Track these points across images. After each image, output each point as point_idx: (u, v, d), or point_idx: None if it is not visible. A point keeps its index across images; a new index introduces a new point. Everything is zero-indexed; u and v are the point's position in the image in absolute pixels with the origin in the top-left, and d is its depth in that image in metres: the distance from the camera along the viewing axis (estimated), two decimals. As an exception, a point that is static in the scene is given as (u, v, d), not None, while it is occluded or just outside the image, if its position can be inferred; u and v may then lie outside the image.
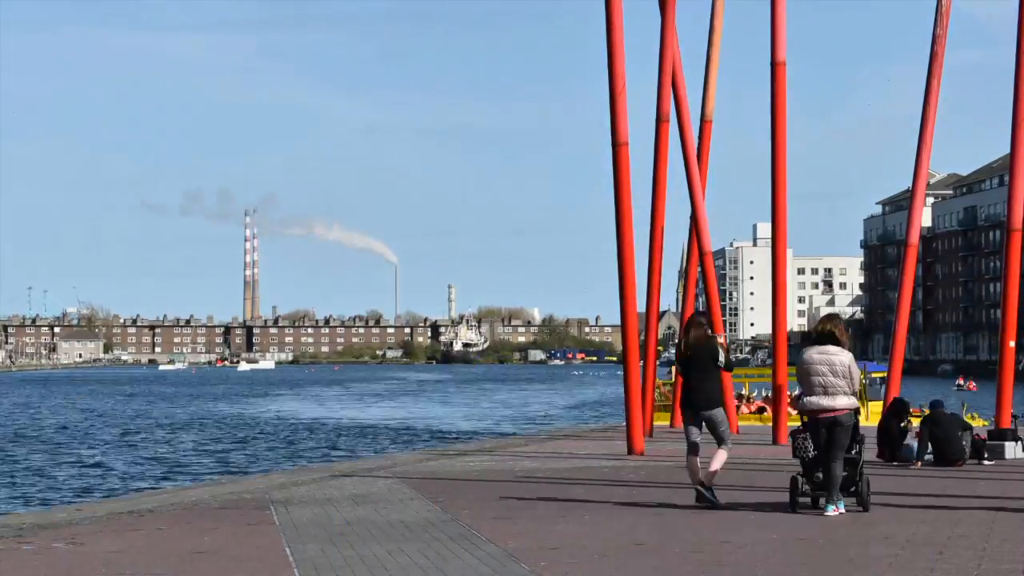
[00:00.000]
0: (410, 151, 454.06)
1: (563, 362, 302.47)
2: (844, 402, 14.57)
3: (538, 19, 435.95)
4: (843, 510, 14.60)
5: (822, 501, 14.76)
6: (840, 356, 14.57)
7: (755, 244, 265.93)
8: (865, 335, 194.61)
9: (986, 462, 22.50)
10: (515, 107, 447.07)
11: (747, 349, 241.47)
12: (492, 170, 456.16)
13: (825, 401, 14.60)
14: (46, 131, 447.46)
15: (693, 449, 15.93)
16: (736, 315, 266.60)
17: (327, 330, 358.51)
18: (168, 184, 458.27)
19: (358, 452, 44.37)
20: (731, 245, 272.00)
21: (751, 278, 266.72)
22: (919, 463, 21.97)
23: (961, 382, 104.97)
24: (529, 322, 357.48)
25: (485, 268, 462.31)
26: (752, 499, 17.00)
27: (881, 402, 29.66)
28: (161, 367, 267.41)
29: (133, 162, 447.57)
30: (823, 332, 14.76)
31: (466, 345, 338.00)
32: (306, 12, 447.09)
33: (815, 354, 14.65)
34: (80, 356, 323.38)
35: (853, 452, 14.74)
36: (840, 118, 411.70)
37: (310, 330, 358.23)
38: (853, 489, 14.87)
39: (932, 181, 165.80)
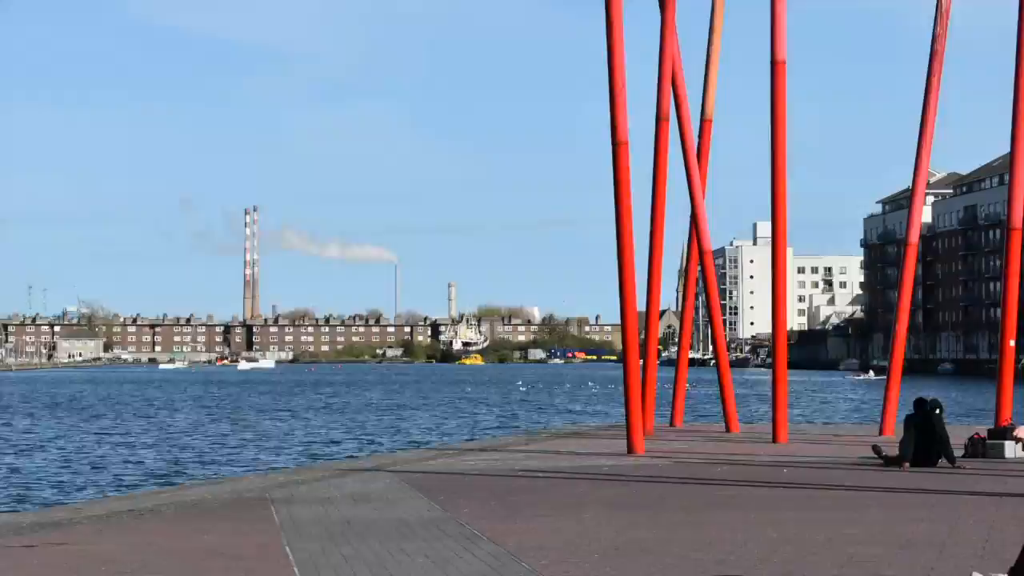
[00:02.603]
0: (410, 150, 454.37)
1: (563, 361, 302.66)
2: None
3: (539, 17, 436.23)
4: None
5: None
6: None
7: (755, 243, 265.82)
8: (865, 334, 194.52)
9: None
10: (515, 106, 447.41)
11: (747, 348, 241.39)
12: (493, 169, 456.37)
13: None
14: (45, 131, 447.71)
15: None
16: (736, 314, 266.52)
17: (327, 329, 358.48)
18: (167, 184, 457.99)
19: None
20: (731, 244, 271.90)
21: (751, 277, 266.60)
22: (907, 464, 21.54)
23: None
24: (529, 321, 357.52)
25: (485, 267, 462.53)
26: (752, 498, 17.01)
27: None
28: (161, 366, 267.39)
29: (133, 162, 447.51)
30: None
31: (466, 344, 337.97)
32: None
33: None
34: (80, 355, 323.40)
35: None
36: (840, 117, 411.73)
37: (310, 329, 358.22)
38: None
39: (932, 180, 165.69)
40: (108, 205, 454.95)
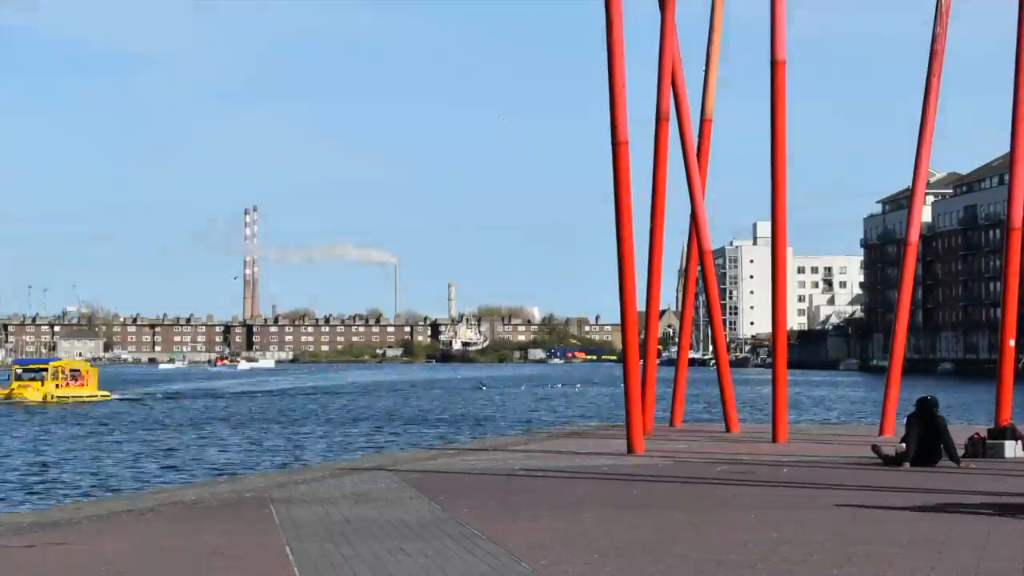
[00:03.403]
0: (410, 149, 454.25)
1: (563, 360, 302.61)
2: None
3: (539, 17, 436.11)
4: None
5: None
6: None
7: (755, 243, 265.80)
8: (865, 334, 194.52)
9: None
10: (515, 105, 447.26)
11: (747, 348, 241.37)
12: (493, 169, 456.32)
13: None
14: (44, 131, 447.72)
15: None
16: (736, 314, 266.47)
17: (327, 329, 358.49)
18: (168, 184, 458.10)
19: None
20: (731, 244, 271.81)
21: (751, 277, 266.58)
22: (907, 464, 21.52)
23: None
24: (529, 321, 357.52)
25: (485, 267, 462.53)
26: (752, 497, 17.01)
27: None
28: (161, 366, 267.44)
29: (134, 161, 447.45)
30: None
31: (466, 344, 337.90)
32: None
33: None
34: (80, 355, 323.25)
35: None
36: (840, 117, 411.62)
37: (310, 329, 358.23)
38: None
39: (932, 180, 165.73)
40: (108, 205, 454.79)
